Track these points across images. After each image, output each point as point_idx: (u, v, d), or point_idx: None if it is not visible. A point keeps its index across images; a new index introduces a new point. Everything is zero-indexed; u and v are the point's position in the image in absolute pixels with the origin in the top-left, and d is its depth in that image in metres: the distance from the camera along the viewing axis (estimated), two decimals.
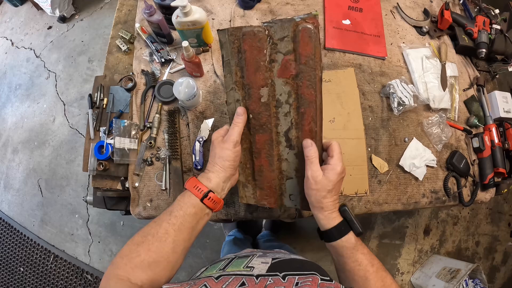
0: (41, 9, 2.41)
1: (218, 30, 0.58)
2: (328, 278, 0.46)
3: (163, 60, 0.92)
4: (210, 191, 0.56)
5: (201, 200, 0.55)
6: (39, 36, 2.44)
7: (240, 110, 0.59)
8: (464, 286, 1.68)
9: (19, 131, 2.24)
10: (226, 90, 0.60)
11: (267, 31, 0.55)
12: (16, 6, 2.57)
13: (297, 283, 0.43)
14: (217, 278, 0.45)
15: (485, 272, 1.82)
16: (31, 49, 2.42)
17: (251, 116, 0.60)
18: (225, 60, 0.59)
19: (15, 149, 2.22)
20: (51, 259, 1.97)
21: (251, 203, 0.67)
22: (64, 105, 2.21)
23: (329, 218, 0.56)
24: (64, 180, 2.09)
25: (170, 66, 0.94)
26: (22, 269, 1.98)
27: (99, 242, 1.98)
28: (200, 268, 0.59)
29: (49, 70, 2.32)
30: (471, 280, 1.72)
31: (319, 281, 0.44)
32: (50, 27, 2.44)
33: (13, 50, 2.47)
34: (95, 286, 1.89)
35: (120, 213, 0.98)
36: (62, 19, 2.38)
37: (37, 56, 2.39)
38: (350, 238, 0.55)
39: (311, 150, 0.56)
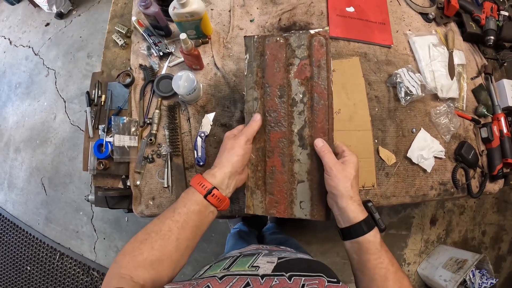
0: (38, 6, 2.38)
1: (245, 36, 0.66)
2: (335, 280, 0.45)
3: (161, 53, 0.89)
4: (214, 187, 0.55)
5: (205, 196, 0.54)
6: (37, 34, 2.42)
7: (257, 116, 0.63)
8: (471, 276, 1.67)
9: (20, 130, 2.24)
10: (246, 88, 0.66)
11: (287, 40, 0.64)
12: (13, 4, 2.54)
13: (303, 285, 0.42)
14: (220, 278, 0.44)
15: (491, 262, 1.81)
16: (29, 47, 2.40)
17: (267, 114, 0.64)
18: (248, 61, 0.66)
19: (17, 148, 2.22)
20: (57, 257, 1.98)
21: (259, 214, 0.65)
22: (65, 102, 2.20)
23: (358, 211, 0.53)
24: (67, 178, 2.09)
25: (168, 59, 0.91)
26: (29, 268, 1.99)
27: (104, 238, 1.99)
28: (204, 266, 0.58)
29: (48, 68, 2.30)
30: (478, 270, 1.70)
31: (326, 283, 0.43)
32: (47, 24, 2.42)
33: (12, 48, 2.45)
34: (101, 283, 1.89)
35: (123, 211, 0.97)
36: (60, 15, 2.35)
37: (35, 54, 2.37)
38: (376, 234, 0.53)
39: (325, 145, 0.59)
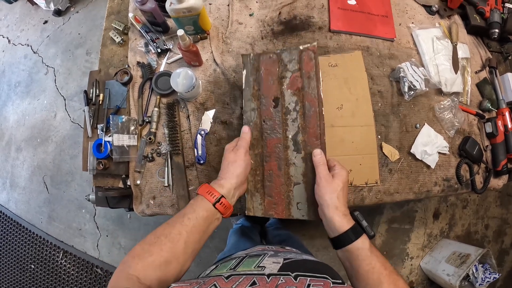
0: (36, 4, 2.36)
1: (242, 54, 0.74)
2: (340, 282, 0.46)
3: (159, 50, 0.88)
4: (222, 196, 0.59)
5: (214, 204, 0.58)
6: (35, 32, 2.41)
7: (245, 128, 0.69)
8: (474, 271, 1.67)
9: (21, 129, 2.24)
10: (245, 100, 0.72)
11: (279, 56, 0.71)
12: (10, 3, 2.53)
13: (308, 285, 0.43)
14: (227, 277, 0.44)
15: (494, 255, 1.80)
16: (28, 45, 2.39)
17: (263, 122, 0.70)
18: (246, 76, 0.73)
19: (18, 147, 2.22)
20: (61, 255, 1.99)
21: (258, 215, 0.69)
22: (65, 99, 2.19)
23: (344, 221, 0.56)
24: (69, 176, 2.09)
25: (167, 56, 0.90)
26: (33, 266, 2.01)
27: (107, 235, 2.00)
28: (210, 265, 0.61)
29: (47, 66, 2.29)
30: (481, 265, 1.69)
31: (331, 285, 0.44)
32: (45, 22, 2.40)
33: (10, 47, 2.44)
34: (105, 279, 1.91)
35: (125, 209, 0.96)
36: (58, 13, 2.33)
37: (34, 52, 2.35)
38: (364, 240, 0.55)
39: (321, 157, 0.64)
